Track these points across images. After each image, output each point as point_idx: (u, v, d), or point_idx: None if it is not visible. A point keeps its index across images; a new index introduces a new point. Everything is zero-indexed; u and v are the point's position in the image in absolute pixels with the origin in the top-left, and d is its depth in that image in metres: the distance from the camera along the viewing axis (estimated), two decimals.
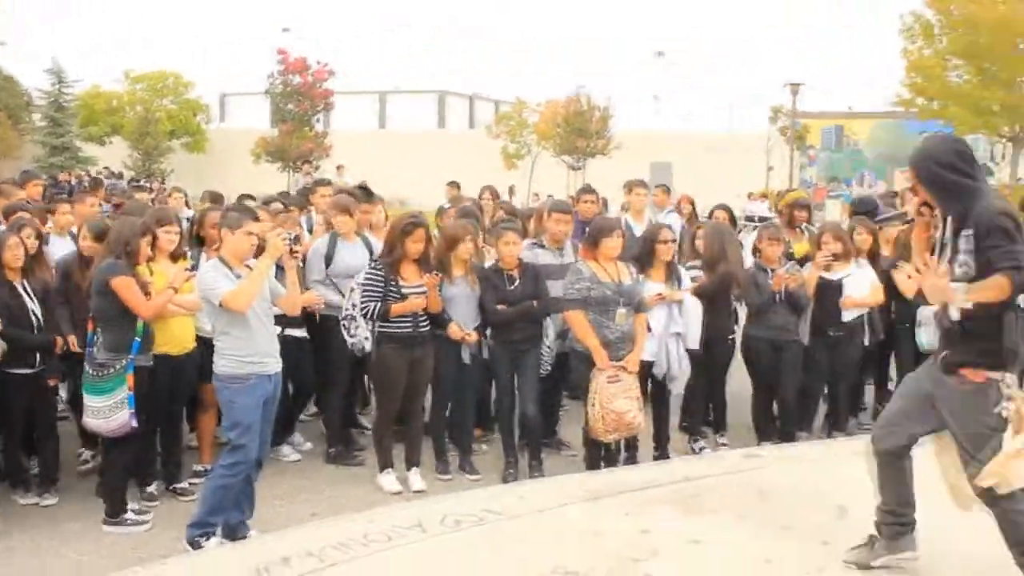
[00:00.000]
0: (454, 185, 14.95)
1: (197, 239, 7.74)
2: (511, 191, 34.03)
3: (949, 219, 4.50)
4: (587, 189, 10.17)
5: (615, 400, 6.97)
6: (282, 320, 6.87)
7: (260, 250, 6.25)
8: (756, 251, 8.40)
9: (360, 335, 7.38)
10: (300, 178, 30.38)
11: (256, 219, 6.45)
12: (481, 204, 11.04)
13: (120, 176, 32.81)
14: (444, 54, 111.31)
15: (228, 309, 5.88)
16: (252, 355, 5.99)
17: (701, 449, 8.16)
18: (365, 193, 9.93)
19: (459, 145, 49.70)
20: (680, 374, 7.65)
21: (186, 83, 53.41)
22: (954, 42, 31.80)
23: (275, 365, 6.16)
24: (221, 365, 5.99)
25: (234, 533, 6.04)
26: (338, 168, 21.52)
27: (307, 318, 7.83)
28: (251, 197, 11.67)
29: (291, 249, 6.11)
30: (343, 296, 7.70)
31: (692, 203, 10.99)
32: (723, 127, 57.44)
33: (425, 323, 7.23)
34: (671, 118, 61.05)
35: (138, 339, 6.40)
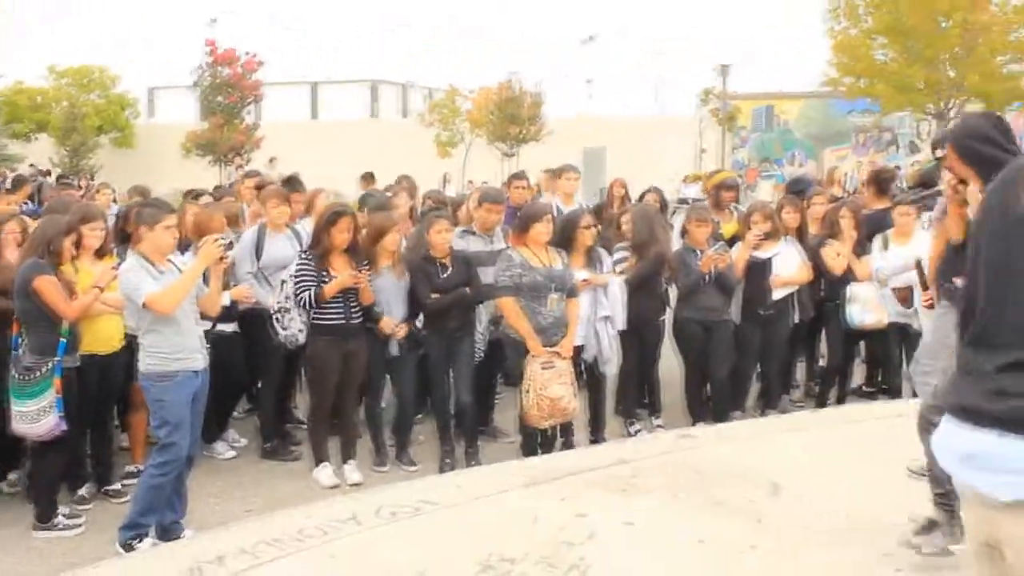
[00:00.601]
0: (368, 177, 14.75)
1: (122, 235, 7.61)
2: (445, 179, 33.93)
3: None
4: (518, 175, 10.19)
5: (550, 386, 7.00)
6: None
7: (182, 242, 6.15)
8: (684, 233, 8.47)
9: (293, 328, 7.30)
10: (232, 171, 30.01)
11: (172, 212, 6.37)
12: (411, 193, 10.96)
13: (48, 173, 32.05)
14: (376, 43, 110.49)
15: (152, 310, 5.80)
16: (178, 352, 5.92)
17: (637, 432, 8.21)
18: (292, 184, 9.86)
19: (392, 134, 49.41)
20: (612, 356, 7.71)
21: (113, 77, 52.34)
22: (878, 21, 32.20)
23: (202, 361, 6.09)
24: (147, 363, 5.92)
25: (168, 534, 5.98)
26: (270, 160, 21.19)
27: (238, 312, 7.78)
28: (197, 192, 11.37)
29: (220, 257, 6.04)
30: (273, 289, 7.63)
31: (625, 187, 11.01)
32: (656, 110, 57.68)
33: (358, 315, 7.19)
34: (604, 103, 61.18)
35: (63, 340, 6.29)
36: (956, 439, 2.65)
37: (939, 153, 6.05)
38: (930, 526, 4.80)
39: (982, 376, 2.61)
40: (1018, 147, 4.47)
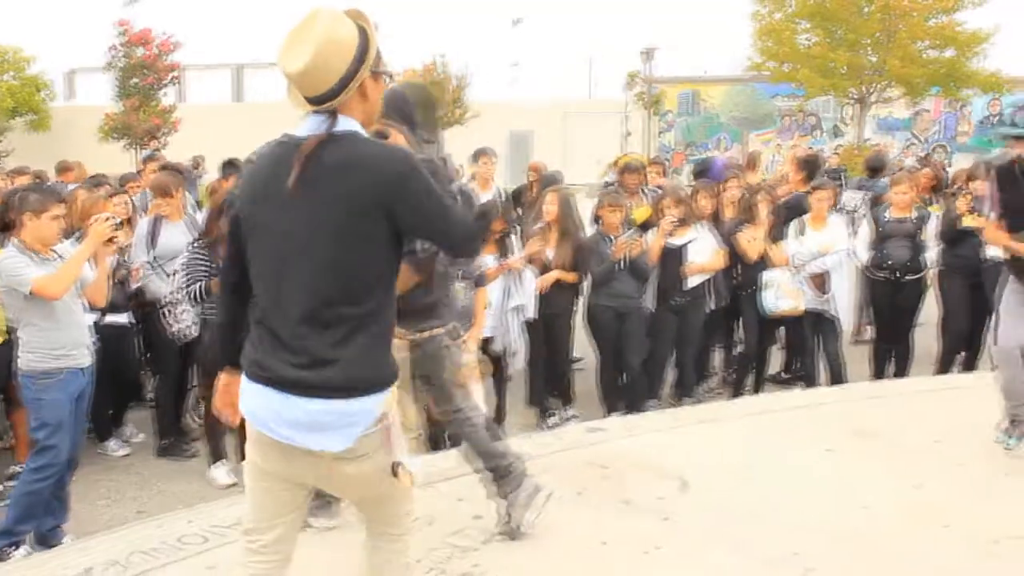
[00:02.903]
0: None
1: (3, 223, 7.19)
2: None
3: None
4: None
5: None
6: (106, 306, 6.45)
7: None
8: (597, 219, 8.26)
9: (186, 321, 6.96)
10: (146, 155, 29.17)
11: (61, 201, 5.99)
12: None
13: None
14: None
15: (40, 296, 5.43)
16: (61, 348, 5.57)
17: (554, 425, 7.99)
18: (233, 167, 9.60)
19: None
20: (520, 349, 7.49)
21: (27, 58, 50.71)
22: (801, 5, 32.38)
23: (87, 358, 5.74)
24: (27, 360, 5.55)
25: (47, 541, 5.64)
26: (195, 161, 19.72)
27: (128, 301, 7.45)
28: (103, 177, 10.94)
29: (110, 237, 5.69)
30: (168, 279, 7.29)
31: (539, 171, 10.80)
32: (582, 94, 57.44)
33: None
34: (530, 86, 60.74)
35: None
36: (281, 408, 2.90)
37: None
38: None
39: (289, 345, 2.89)
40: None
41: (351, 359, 2.86)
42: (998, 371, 6.19)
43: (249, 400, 3.01)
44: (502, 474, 4.83)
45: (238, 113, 52.53)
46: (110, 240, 5.73)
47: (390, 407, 2.96)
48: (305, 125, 2.93)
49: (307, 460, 2.96)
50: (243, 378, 3.02)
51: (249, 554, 3.17)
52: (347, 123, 2.90)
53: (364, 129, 2.97)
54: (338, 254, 2.84)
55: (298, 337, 2.88)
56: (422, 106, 4.68)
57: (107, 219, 5.70)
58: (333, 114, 2.88)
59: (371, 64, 2.92)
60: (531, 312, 7.63)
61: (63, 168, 12.62)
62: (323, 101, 2.88)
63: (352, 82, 2.87)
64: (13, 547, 5.48)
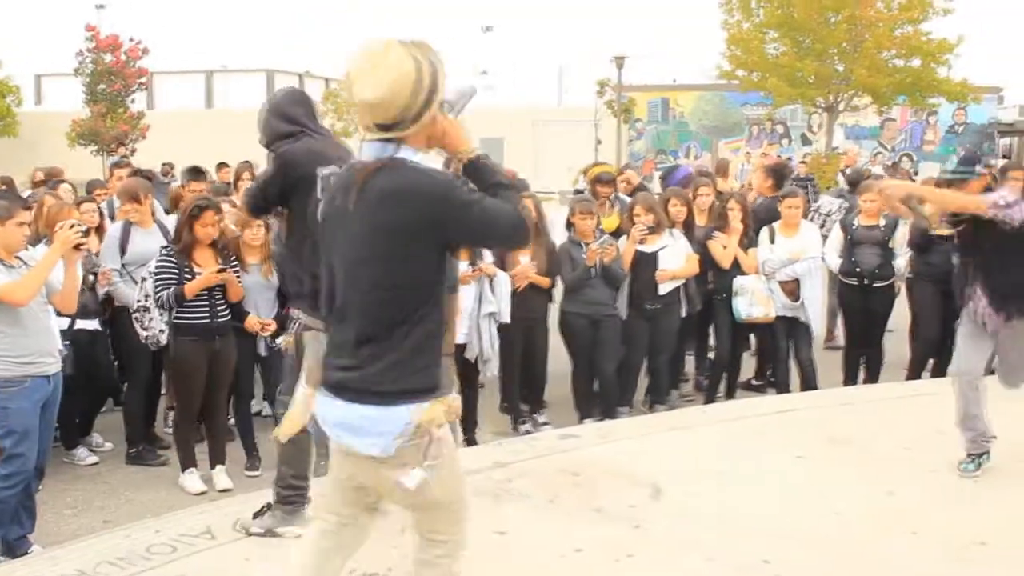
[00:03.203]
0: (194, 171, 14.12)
1: None
2: None
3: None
4: None
5: None
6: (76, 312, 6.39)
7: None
8: (569, 226, 8.25)
9: (155, 328, 6.90)
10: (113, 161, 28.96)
11: (27, 208, 5.93)
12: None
13: None
14: (273, 31, 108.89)
15: (5, 302, 5.37)
16: (27, 355, 5.50)
17: (527, 431, 7.97)
18: (196, 173, 9.54)
19: None
20: (493, 356, 7.46)
21: None
22: (770, 15, 32.62)
23: (54, 365, 5.67)
24: None
25: (14, 550, 5.55)
26: (165, 168, 19.40)
27: (100, 307, 7.38)
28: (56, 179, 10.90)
29: (77, 244, 5.63)
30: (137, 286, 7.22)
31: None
32: (552, 102, 57.55)
33: (224, 313, 6.81)
34: (501, 93, 60.79)
35: None
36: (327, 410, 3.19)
37: (979, 169, 6.14)
38: (262, 510, 5.08)
39: (342, 351, 3.14)
40: (318, 123, 5.02)
41: (387, 368, 3.06)
42: (956, 397, 6.10)
43: (317, 403, 3.31)
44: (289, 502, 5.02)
45: (208, 119, 52.32)
46: (77, 247, 5.67)
47: (433, 418, 3.09)
48: (367, 149, 3.12)
49: (359, 460, 3.19)
50: None
51: (314, 531, 3.52)
52: (405, 151, 3.06)
53: (424, 153, 3.13)
54: (389, 277, 3.06)
55: (348, 346, 3.13)
56: (308, 104, 5.03)
57: (72, 226, 5.64)
58: (395, 141, 3.06)
59: (439, 97, 3.09)
60: (506, 316, 7.59)
61: (49, 174, 12.48)
62: (391, 128, 3.04)
63: (422, 115, 3.04)
64: None
